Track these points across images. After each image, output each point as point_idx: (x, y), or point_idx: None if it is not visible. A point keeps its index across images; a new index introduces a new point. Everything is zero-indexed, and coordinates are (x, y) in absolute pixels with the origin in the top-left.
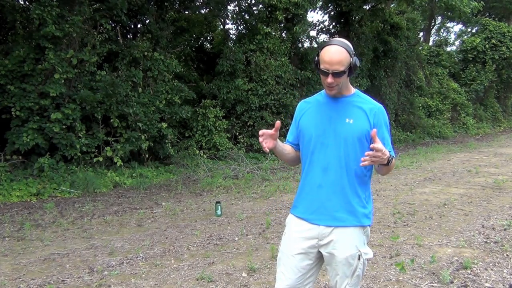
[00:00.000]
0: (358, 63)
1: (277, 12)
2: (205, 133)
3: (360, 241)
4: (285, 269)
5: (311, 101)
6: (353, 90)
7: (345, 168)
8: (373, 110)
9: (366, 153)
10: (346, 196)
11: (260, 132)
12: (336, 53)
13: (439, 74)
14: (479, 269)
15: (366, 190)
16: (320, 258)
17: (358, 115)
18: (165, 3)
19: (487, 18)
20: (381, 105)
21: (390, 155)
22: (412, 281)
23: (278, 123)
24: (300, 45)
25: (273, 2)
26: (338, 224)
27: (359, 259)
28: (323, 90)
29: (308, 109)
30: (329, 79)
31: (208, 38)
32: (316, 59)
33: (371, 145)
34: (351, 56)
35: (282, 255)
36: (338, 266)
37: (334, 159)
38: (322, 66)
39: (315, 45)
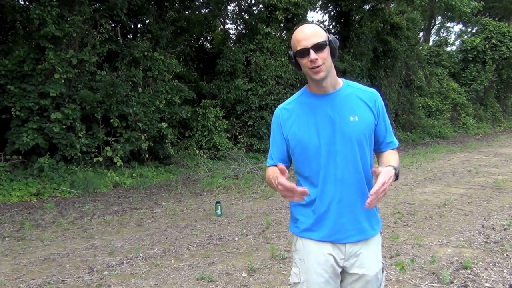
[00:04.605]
0: (337, 42)
1: (277, 12)
2: (205, 133)
3: (380, 251)
4: None
5: (293, 106)
6: (341, 80)
7: (362, 173)
8: (372, 98)
9: (371, 193)
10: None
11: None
12: (309, 27)
13: (439, 74)
14: (479, 269)
15: None
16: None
17: (360, 108)
18: (165, 3)
19: (487, 18)
20: (375, 90)
21: (395, 171)
22: (412, 281)
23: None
24: None
25: (273, 2)
26: (364, 237)
27: (382, 272)
28: (303, 89)
29: (296, 117)
30: (312, 55)
31: (208, 38)
32: (291, 53)
33: (373, 190)
34: (326, 32)
35: (313, 285)
36: (368, 285)
37: (350, 166)
38: (299, 47)
39: None
